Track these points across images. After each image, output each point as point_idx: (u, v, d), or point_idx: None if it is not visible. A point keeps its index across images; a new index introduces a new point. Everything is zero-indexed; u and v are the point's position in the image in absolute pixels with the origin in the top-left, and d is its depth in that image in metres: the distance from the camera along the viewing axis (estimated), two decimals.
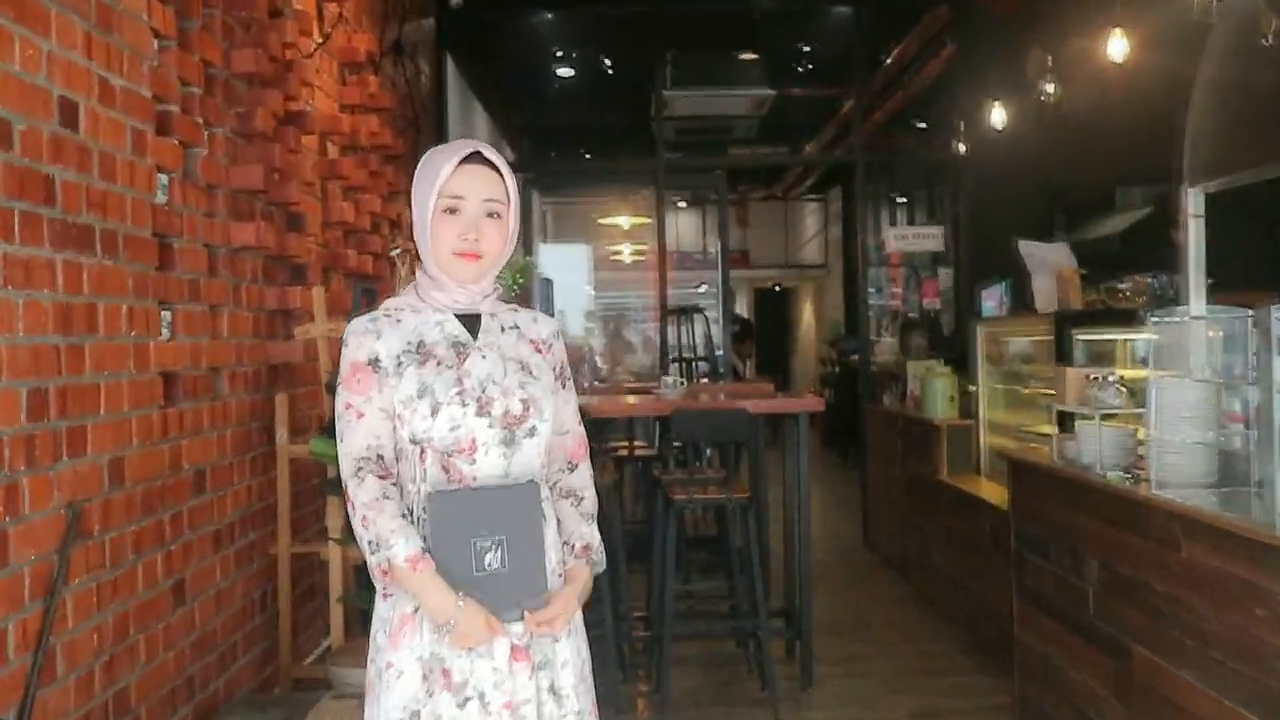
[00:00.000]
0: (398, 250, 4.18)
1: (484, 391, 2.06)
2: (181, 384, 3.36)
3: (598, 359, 10.18)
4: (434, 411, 2.02)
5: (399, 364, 2.04)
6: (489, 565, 2.00)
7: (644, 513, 6.80)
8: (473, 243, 2.05)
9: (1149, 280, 4.86)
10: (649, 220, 12.38)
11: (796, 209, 20.52)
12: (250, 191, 3.88)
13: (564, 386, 2.22)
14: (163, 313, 3.23)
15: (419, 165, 2.10)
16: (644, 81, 9.66)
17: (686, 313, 8.07)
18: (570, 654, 2.16)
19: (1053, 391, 5.03)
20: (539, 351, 2.19)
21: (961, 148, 7.10)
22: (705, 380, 8.27)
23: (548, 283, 3.69)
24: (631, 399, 4.99)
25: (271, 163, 3.98)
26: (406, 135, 6.71)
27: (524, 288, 4.04)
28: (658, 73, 9.18)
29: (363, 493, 2.00)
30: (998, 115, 6.42)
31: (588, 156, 12.14)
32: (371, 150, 5.56)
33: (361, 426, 2.02)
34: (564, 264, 17.46)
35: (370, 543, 1.98)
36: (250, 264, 3.96)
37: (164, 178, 3.25)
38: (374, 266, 5.37)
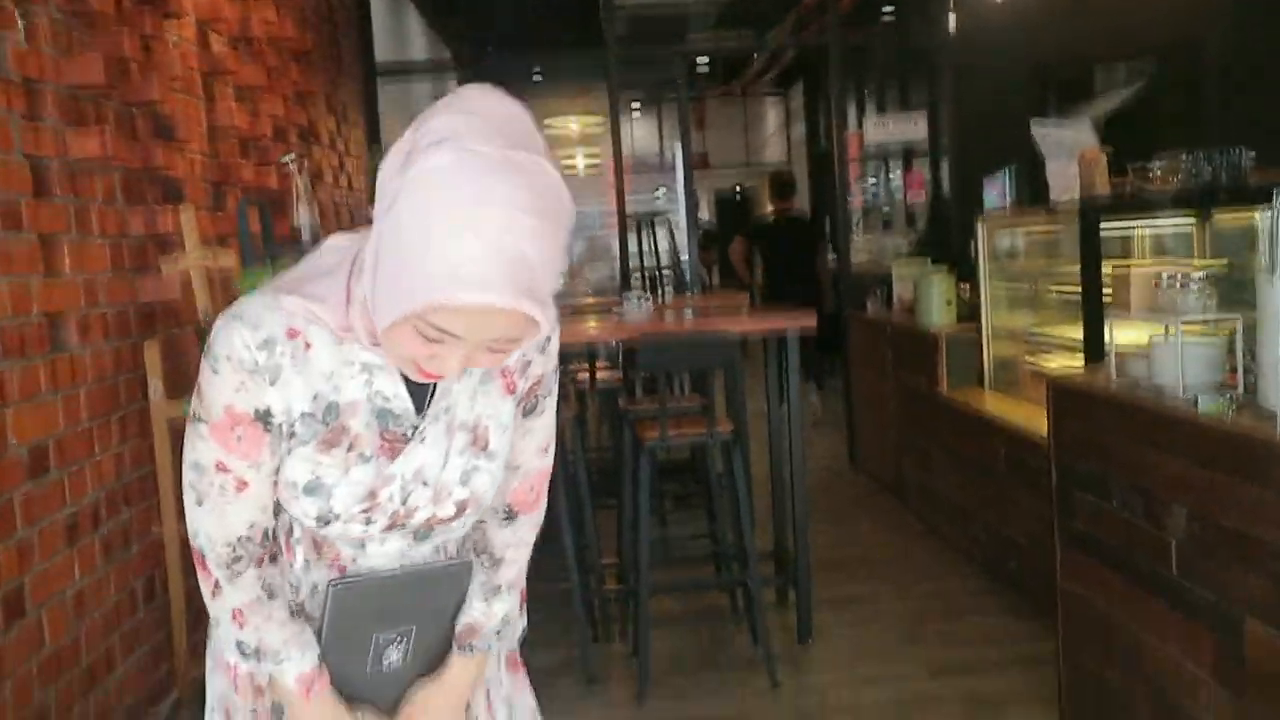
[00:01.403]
0: (291, 158, 3.40)
1: (404, 502, 1.35)
2: None
3: None
4: (322, 519, 1.32)
5: (292, 432, 1.30)
6: (387, 663, 1.45)
7: (610, 438, 6.12)
8: (447, 372, 1.22)
9: (1184, 159, 4.16)
10: (602, 120, 11.55)
11: (755, 107, 19.64)
12: (92, 89, 3.06)
13: (535, 412, 1.46)
14: None
15: (432, 176, 1.10)
16: None
17: (649, 222, 7.30)
18: None
19: (1069, 288, 4.36)
20: (508, 390, 1.40)
21: (951, 21, 6.30)
22: (671, 292, 7.55)
23: None
24: (591, 323, 4.26)
25: (118, 52, 3.15)
26: (320, 31, 5.84)
27: None
28: None
29: (238, 591, 1.36)
30: None
31: (535, 66, 11.18)
32: (270, 45, 4.71)
33: (243, 502, 1.32)
34: None
35: (245, 647, 1.38)
36: (101, 181, 3.15)
37: None
38: (280, 181, 4.55)
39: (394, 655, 1.44)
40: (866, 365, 6.86)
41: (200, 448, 1.30)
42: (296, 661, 1.37)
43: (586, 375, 5.49)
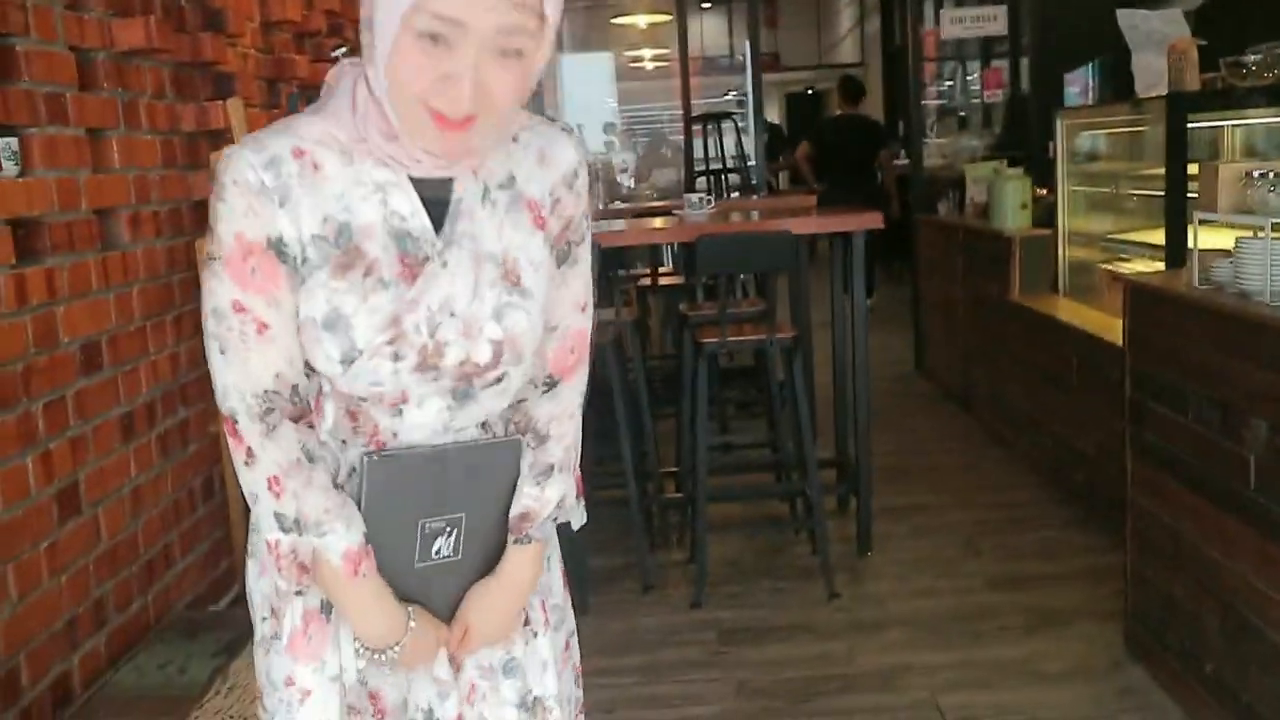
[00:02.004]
0: (343, 51, 3.31)
1: (433, 335, 1.25)
2: (47, 233, 2.56)
3: (619, 176, 9.27)
4: (346, 359, 1.23)
5: (304, 258, 1.22)
6: (437, 553, 1.35)
7: (673, 345, 6.05)
8: (460, 102, 1.15)
9: None
10: (669, 18, 11.27)
11: (829, 4, 19.06)
12: None
13: (569, 260, 1.38)
14: (3, 140, 2.40)
15: None
16: None
17: (714, 120, 7.10)
18: (551, 652, 1.45)
19: (1152, 190, 4.16)
20: (538, 224, 1.33)
21: None
22: (736, 196, 7.38)
23: (534, 98, 2.97)
24: (652, 222, 4.15)
25: None
26: None
27: None
28: None
29: (275, 447, 1.25)
30: None
31: None
32: None
33: (265, 346, 1.23)
34: (583, 75, 16.36)
35: (284, 519, 1.27)
36: (150, 74, 3.10)
37: None
38: None
39: (444, 546, 1.34)
40: (936, 270, 6.68)
41: (217, 290, 1.23)
42: (341, 535, 1.27)
43: (649, 279, 5.41)
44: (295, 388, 1.26)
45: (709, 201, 4.10)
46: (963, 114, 10.88)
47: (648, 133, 12.71)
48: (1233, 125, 4.23)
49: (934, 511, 4.54)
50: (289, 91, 4.07)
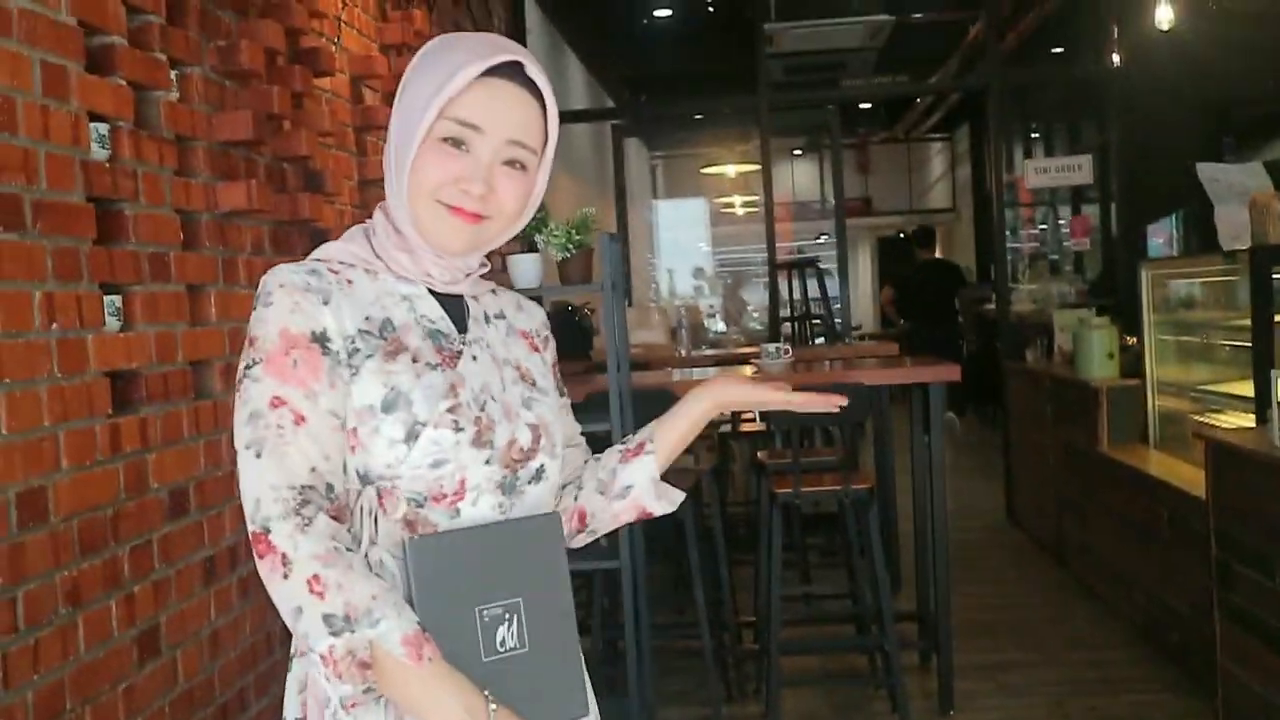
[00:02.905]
0: None
1: (483, 409, 1.36)
2: (144, 384, 2.70)
3: (706, 320, 9.39)
4: (411, 435, 1.29)
5: (354, 350, 1.31)
6: (502, 645, 1.30)
7: (755, 492, 6.03)
8: (476, 198, 1.34)
9: None
10: (758, 167, 11.51)
11: (920, 151, 19.31)
12: (242, 144, 3.19)
13: (564, 395, 1.58)
14: (108, 298, 2.57)
15: (418, 55, 1.39)
16: (751, 20, 8.75)
17: (799, 267, 7.22)
18: None
19: (1243, 344, 4.09)
20: (536, 350, 1.53)
21: (1115, 58, 6.04)
22: (822, 342, 7.42)
23: (615, 240, 3.02)
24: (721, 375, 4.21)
25: (267, 109, 3.28)
26: None
27: (583, 248, 3.28)
28: (760, 5, 8.30)
29: (312, 541, 1.23)
30: (1163, 12, 5.35)
31: (694, 112, 11.24)
32: None
33: (303, 438, 1.26)
34: (676, 220, 16.75)
35: (333, 620, 1.22)
36: (250, 232, 3.28)
37: (100, 127, 2.56)
38: None
39: (508, 637, 1.30)
40: (1025, 417, 6.59)
41: (254, 393, 1.28)
42: (395, 622, 1.22)
43: (730, 426, 5.43)
44: (331, 486, 1.28)
45: (785, 351, 4.13)
46: (1054, 259, 10.83)
47: (738, 276, 12.89)
48: None
49: (1021, 669, 4.39)
50: None
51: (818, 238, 20.24)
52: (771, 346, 4.20)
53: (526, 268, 3.35)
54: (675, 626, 4.29)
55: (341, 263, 1.38)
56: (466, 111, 1.32)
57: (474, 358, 1.39)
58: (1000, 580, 5.70)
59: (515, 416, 1.39)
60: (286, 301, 1.30)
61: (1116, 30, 6.09)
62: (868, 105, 15.28)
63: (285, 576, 1.23)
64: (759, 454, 4.60)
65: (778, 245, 11.25)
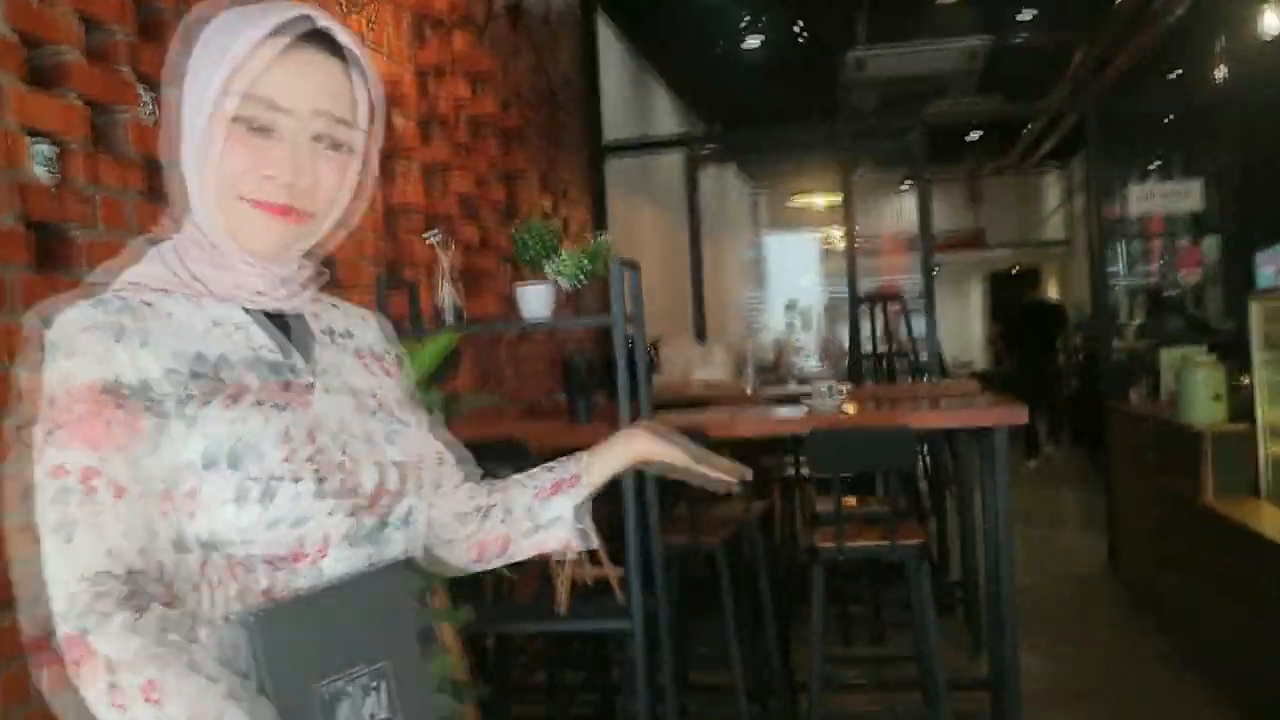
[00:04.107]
0: (435, 234, 3.25)
1: (344, 451, 1.15)
2: None
3: (794, 356, 9.03)
4: (266, 493, 1.06)
5: (185, 397, 1.06)
6: (372, 717, 1.13)
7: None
8: (282, 187, 1.12)
9: None
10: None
11: (1034, 182, 18.62)
12: None
13: (431, 411, 1.35)
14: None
15: (199, 37, 1.14)
16: (842, 48, 8.44)
17: (880, 302, 6.86)
18: None
19: None
20: (387, 373, 1.30)
21: (1220, 72, 5.55)
22: (909, 380, 7.01)
23: (628, 269, 2.77)
24: (776, 412, 3.88)
25: None
26: (538, 109, 5.82)
27: (596, 278, 3.02)
28: (845, 30, 8.00)
29: (140, 638, 0.97)
30: (1270, 21, 4.87)
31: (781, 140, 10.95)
32: (466, 122, 4.66)
33: (125, 512, 1.01)
34: (779, 254, 16.44)
35: None
36: None
37: (45, 148, 2.37)
38: (465, 260, 4.44)
39: (377, 709, 1.12)
40: (1128, 463, 6.06)
41: (56, 464, 1.01)
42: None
43: (792, 470, 5.08)
44: (161, 566, 1.03)
45: (839, 391, 3.78)
46: (1172, 295, 10.21)
47: (830, 313, 12.52)
48: None
49: None
50: (413, 275, 4.06)
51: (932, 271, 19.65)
52: (824, 385, 3.85)
53: (535, 299, 3.09)
54: (712, 691, 3.93)
55: (154, 289, 1.12)
56: (262, 87, 1.11)
57: (326, 390, 1.18)
58: (1090, 642, 5.20)
59: (380, 455, 1.18)
60: (93, 348, 1.04)
61: (1223, 42, 5.60)
62: (975, 136, 14.76)
63: (112, 686, 0.96)
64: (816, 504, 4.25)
65: (884, 279, 10.87)
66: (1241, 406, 4.77)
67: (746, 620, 3.84)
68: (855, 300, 6.67)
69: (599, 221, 6.93)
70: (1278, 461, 4.43)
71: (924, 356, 6.88)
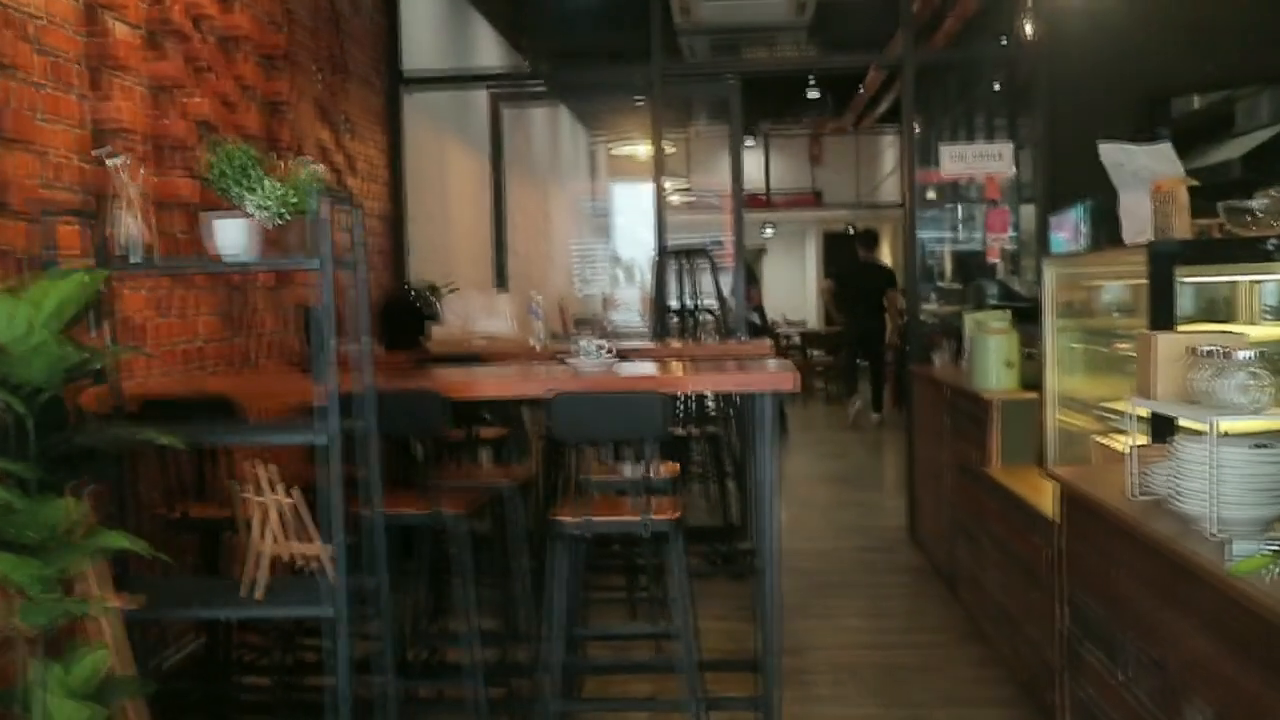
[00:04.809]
0: (113, 155, 2.76)
1: None
2: None
3: (613, 312, 8.72)
4: None
5: None
6: None
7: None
8: None
9: None
10: (673, 150, 10.99)
11: (874, 143, 18.68)
12: None
13: None
14: None
15: None
16: None
17: (689, 256, 6.58)
18: None
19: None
20: None
21: (1028, 29, 5.40)
22: (715, 339, 6.76)
23: (342, 205, 2.40)
24: (531, 370, 3.54)
25: None
26: (315, 33, 5.30)
27: (301, 214, 2.60)
28: None
29: None
30: None
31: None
32: (214, 38, 4.13)
33: None
34: (625, 205, 16.09)
35: None
36: None
37: None
38: (202, 194, 3.93)
39: None
40: (927, 428, 5.95)
41: None
42: None
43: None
44: None
45: (608, 350, 3.46)
46: (989, 261, 10.28)
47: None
48: (1252, 281, 3.58)
49: None
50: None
51: (763, 230, 19.63)
52: (591, 344, 3.51)
53: (231, 234, 2.65)
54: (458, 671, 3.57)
55: None
56: None
57: None
58: (882, 614, 5.06)
59: None
60: None
61: (1032, 2, 5.46)
62: (815, 95, 14.65)
63: None
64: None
65: (715, 236, 10.62)
66: (1035, 374, 4.65)
67: (498, 597, 3.50)
68: (663, 254, 6.37)
69: (394, 161, 6.45)
70: (1065, 432, 4.31)
71: (711, 315, 6.65)
